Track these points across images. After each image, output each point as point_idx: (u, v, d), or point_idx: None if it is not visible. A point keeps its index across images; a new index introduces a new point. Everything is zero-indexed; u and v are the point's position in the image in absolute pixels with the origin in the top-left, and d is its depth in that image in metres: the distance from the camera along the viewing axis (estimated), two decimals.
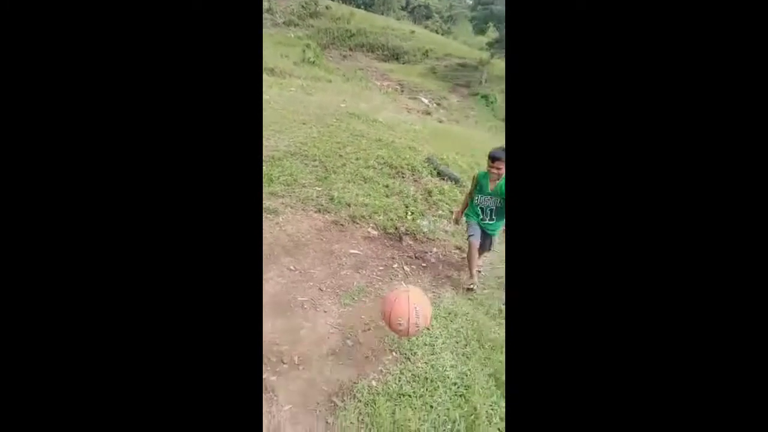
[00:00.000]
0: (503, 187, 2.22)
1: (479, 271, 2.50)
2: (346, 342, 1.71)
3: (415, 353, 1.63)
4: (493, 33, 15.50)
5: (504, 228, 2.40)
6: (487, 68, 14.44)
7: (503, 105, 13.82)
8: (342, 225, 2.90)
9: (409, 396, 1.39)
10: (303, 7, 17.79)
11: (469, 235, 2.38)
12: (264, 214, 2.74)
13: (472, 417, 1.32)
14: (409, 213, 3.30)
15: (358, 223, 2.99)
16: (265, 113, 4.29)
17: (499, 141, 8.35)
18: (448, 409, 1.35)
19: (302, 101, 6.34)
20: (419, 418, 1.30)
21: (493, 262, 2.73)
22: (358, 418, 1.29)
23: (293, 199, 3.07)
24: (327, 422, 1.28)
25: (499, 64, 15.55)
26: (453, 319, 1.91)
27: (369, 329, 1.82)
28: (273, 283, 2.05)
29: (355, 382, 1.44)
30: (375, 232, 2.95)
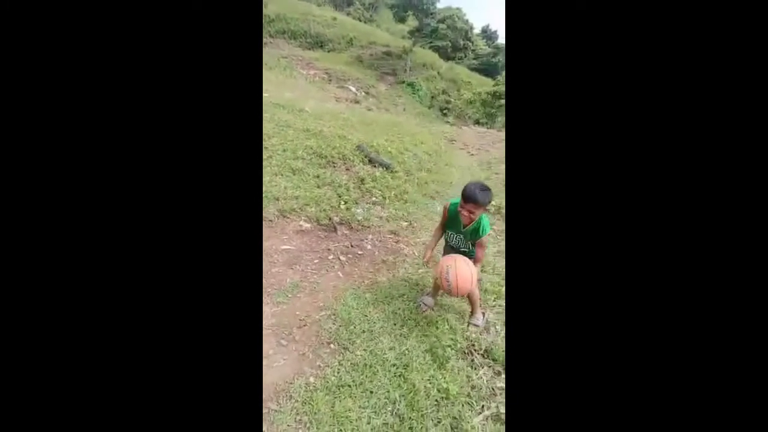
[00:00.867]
0: (477, 234, 1.68)
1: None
2: (280, 342, 1.61)
3: (353, 342, 1.61)
4: (413, 21, 15.83)
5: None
6: (410, 56, 14.77)
7: (429, 93, 14.33)
8: (270, 221, 2.72)
9: (349, 386, 1.36)
10: None
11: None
12: None
13: (411, 394, 1.34)
14: (343, 202, 3.24)
15: (288, 217, 2.84)
16: None
17: (426, 126, 8.57)
18: (388, 391, 1.35)
19: None
20: (359, 406, 1.28)
21: (425, 243, 2.81)
22: (295, 418, 1.23)
23: None
24: (263, 431, 1.19)
25: (421, 53, 15.99)
26: (390, 302, 1.92)
27: (305, 325, 1.74)
28: None
29: (290, 382, 1.36)
30: (308, 225, 2.84)
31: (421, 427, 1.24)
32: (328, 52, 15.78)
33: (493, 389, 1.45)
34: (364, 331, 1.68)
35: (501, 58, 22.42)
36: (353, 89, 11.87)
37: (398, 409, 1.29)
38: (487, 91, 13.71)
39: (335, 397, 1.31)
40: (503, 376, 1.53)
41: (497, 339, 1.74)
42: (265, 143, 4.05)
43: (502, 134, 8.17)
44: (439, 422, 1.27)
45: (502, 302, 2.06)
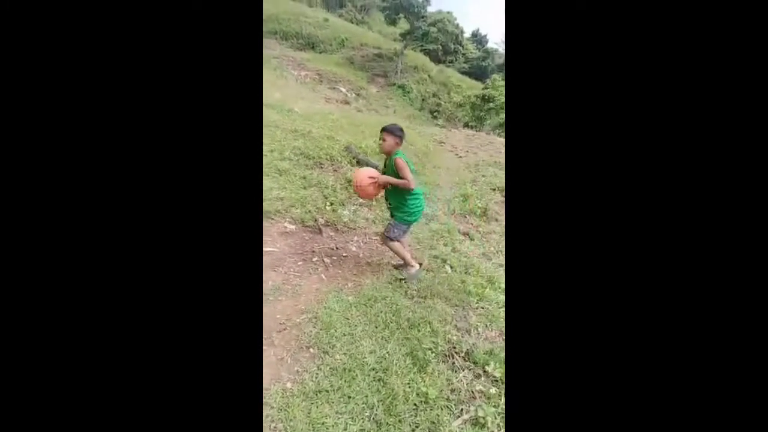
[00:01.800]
0: (391, 163, 2.08)
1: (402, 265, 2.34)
2: None
3: (333, 346, 1.58)
4: (405, 24, 15.92)
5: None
6: (401, 59, 14.83)
7: (419, 96, 14.40)
8: None
9: (327, 391, 1.34)
10: None
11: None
12: None
13: (390, 399, 1.32)
14: (329, 203, 3.21)
15: (273, 219, 2.80)
16: None
17: (416, 128, 8.63)
18: (366, 396, 1.33)
19: None
20: (336, 412, 1.26)
21: (411, 244, 2.81)
22: (270, 426, 1.20)
23: None
24: None
25: (412, 55, 16.07)
26: (372, 305, 1.90)
27: (285, 329, 1.71)
28: None
29: (267, 389, 1.33)
30: (292, 227, 2.80)
31: None
32: (320, 53, 15.74)
33: (472, 392, 1.45)
34: (344, 335, 1.66)
35: (491, 62, 22.67)
36: (344, 90, 11.85)
37: (376, 415, 1.27)
38: (477, 94, 13.84)
39: (312, 403, 1.29)
40: (483, 378, 1.53)
41: (479, 341, 1.74)
42: None
43: (491, 137, 8.25)
44: (416, 427, 1.26)
45: (485, 304, 2.07)
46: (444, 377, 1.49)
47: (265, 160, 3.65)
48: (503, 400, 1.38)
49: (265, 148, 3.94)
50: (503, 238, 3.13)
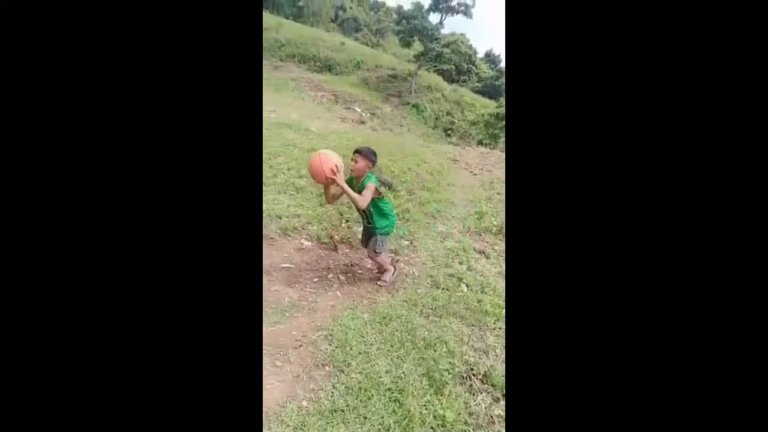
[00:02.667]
0: (362, 186, 2.14)
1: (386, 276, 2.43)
2: (275, 363, 1.58)
3: (349, 364, 1.57)
4: (419, 46, 16.37)
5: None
6: (415, 79, 15.16)
7: (433, 114, 14.61)
8: (272, 239, 2.74)
9: (342, 411, 1.33)
10: None
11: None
12: None
13: (406, 421, 1.30)
14: (344, 220, 3.25)
15: (290, 235, 2.86)
16: None
17: (430, 146, 8.70)
18: (382, 417, 1.31)
19: None
20: None
21: (426, 263, 2.80)
22: None
23: None
24: None
25: (426, 75, 16.42)
26: (388, 323, 1.89)
27: (301, 345, 1.71)
28: None
29: (283, 406, 1.33)
30: (308, 243, 2.85)
31: None
32: (336, 75, 16.28)
33: (491, 417, 1.40)
34: (360, 353, 1.65)
35: (504, 81, 22.90)
36: (359, 110, 12.15)
37: None
38: (490, 112, 13.93)
39: (328, 423, 1.27)
40: (502, 402, 1.48)
41: (497, 363, 1.70)
42: (270, 162, 4.12)
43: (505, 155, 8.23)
44: None
45: (503, 324, 2.02)
46: (461, 400, 1.46)
47: (282, 178, 3.75)
48: None
49: (282, 166, 4.06)
50: None
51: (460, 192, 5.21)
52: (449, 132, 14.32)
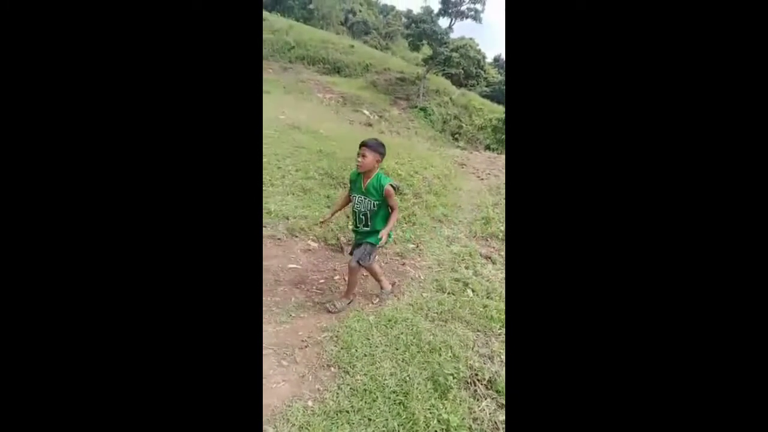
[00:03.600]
0: (377, 185, 1.85)
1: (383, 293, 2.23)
2: (281, 363, 1.60)
3: (354, 366, 1.59)
4: (428, 50, 16.41)
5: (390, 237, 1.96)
6: (424, 83, 15.19)
7: (441, 118, 14.60)
8: (279, 239, 2.77)
9: (347, 412, 1.34)
10: None
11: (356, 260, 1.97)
12: None
13: (410, 424, 1.30)
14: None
15: (297, 236, 2.88)
16: None
17: (437, 150, 8.68)
18: (386, 419, 1.32)
19: None
20: None
21: (432, 267, 2.80)
22: None
23: None
24: None
25: (434, 79, 16.44)
26: (393, 326, 1.90)
27: (307, 346, 1.73)
28: None
29: (288, 405, 1.35)
30: (315, 245, 2.87)
31: None
32: (345, 77, 16.38)
33: (495, 423, 1.40)
34: (365, 355, 1.66)
35: None
36: (367, 113, 12.20)
37: None
38: (498, 117, 13.89)
39: (333, 423, 1.29)
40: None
41: (501, 369, 1.70)
42: (279, 163, 4.17)
43: None
44: None
45: None
46: (466, 405, 1.46)
47: (290, 179, 3.79)
48: None
49: (290, 167, 4.10)
50: None
51: (467, 196, 5.20)
52: (457, 136, 14.30)
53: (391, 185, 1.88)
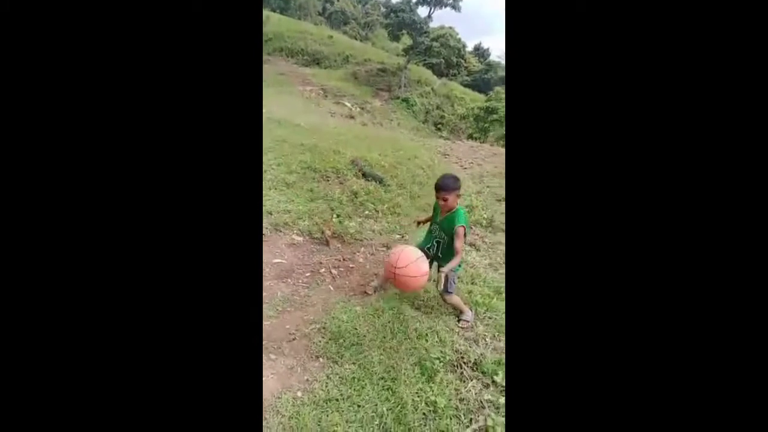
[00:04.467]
0: (452, 223, 1.83)
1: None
2: (269, 356, 1.60)
3: (342, 355, 1.60)
4: (407, 40, 16.30)
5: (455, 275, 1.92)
6: (405, 73, 15.12)
7: (423, 108, 14.61)
8: (263, 234, 2.74)
9: (337, 400, 1.36)
10: None
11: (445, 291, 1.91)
12: None
13: (399, 408, 1.34)
14: (336, 215, 3.26)
15: (281, 231, 2.86)
16: None
17: (420, 140, 8.68)
18: (375, 405, 1.35)
19: None
20: (346, 421, 1.28)
21: None
22: None
23: None
24: None
25: (416, 69, 16.38)
26: (380, 315, 1.92)
27: (294, 338, 1.73)
28: None
29: (278, 397, 1.36)
30: (300, 239, 2.85)
31: None
32: (325, 68, 16.11)
33: (481, 402, 1.45)
34: (353, 345, 1.68)
35: (493, 75, 23.02)
36: (348, 105, 12.07)
37: (385, 423, 1.28)
38: (480, 106, 14.00)
39: (322, 412, 1.30)
40: (492, 388, 1.53)
41: (486, 351, 1.75)
42: None
43: (495, 148, 8.32)
44: None
45: (492, 314, 2.08)
46: (452, 387, 1.50)
47: (272, 174, 3.73)
48: None
49: (272, 162, 4.04)
50: None
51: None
52: (439, 126, 14.36)
53: (464, 228, 1.81)
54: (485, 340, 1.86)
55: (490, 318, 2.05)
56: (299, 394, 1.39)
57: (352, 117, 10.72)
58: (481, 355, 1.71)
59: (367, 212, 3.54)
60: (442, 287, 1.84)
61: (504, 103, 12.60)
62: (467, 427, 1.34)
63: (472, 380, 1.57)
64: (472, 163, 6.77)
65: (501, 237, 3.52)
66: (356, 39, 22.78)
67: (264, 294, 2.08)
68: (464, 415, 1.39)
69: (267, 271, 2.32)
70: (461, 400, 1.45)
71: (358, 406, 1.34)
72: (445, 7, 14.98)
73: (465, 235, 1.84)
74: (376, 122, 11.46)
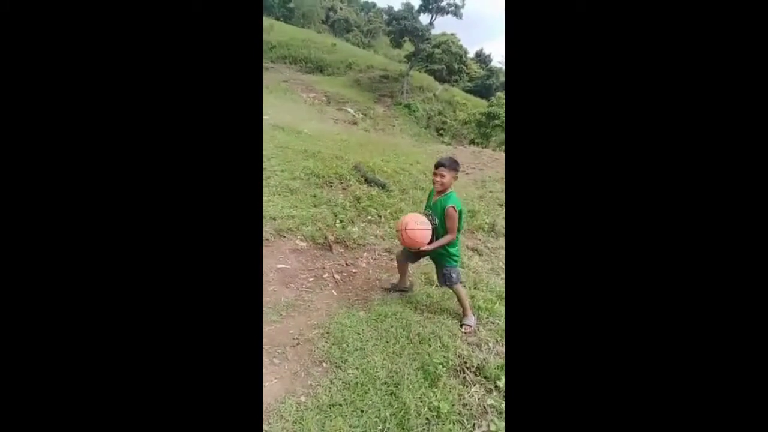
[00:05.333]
0: (444, 204, 1.84)
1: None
2: (273, 361, 1.61)
3: (345, 360, 1.61)
4: (409, 47, 16.46)
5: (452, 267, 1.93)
6: (407, 79, 15.24)
7: (425, 114, 14.69)
8: (267, 240, 2.76)
9: (340, 405, 1.36)
10: None
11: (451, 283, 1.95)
12: None
13: (402, 413, 1.34)
14: (339, 221, 3.28)
15: (285, 237, 2.88)
16: None
17: (422, 146, 8.73)
18: (378, 410, 1.35)
19: None
20: (350, 426, 1.28)
21: (420, 260, 2.84)
22: None
23: None
24: None
25: (418, 76, 16.51)
26: (383, 320, 1.93)
27: (298, 343, 1.74)
28: None
29: (281, 402, 1.36)
30: (303, 244, 2.87)
31: None
32: (328, 76, 16.27)
33: (484, 407, 1.45)
34: (356, 350, 1.69)
35: (495, 81, 23.12)
36: (351, 111, 12.17)
37: (388, 429, 1.29)
38: (482, 112, 14.05)
39: (326, 417, 1.31)
40: (495, 393, 1.53)
41: (489, 356, 1.75)
42: (264, 164, 4.14)
43: (497, 154, 8.34)
44: None
45: (495, 319, 2.08)
46: (456, 392, 1.50)
47: (276, 180, 3.77)
48: None
49: (276, 168, 4.08)
50: None
51: (453, 190, 5.26)
52: (441, 132, 14.42)
53: (455, 208, 1.82)
54: (488, 345, 1.86)
55: (492, 323, 2.05)
56: (303, 398, 1.40)
57: (354, 123, 10.80)
58: (484, 360, 1.71)
59: (369, 217, 3.56)
60: (444, 283, 1.95)
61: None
62: (470, 431, 1.34)
63: (475, 385, 1.57)
64: (474, 168, 6.78)
65: (503, 242, 3.52)
66: (359, 46, 23.03)
67: (268, 299, 2.09)
68: (467, 420, 1.38)
69: (271, 276, 2.34)
70: (464, 405, 1.45)
71: (362, 411, 1.34)
72: (447, 14, 15.14)
73: (460, 219, 1.84)
74: (379, 128, 11.53)
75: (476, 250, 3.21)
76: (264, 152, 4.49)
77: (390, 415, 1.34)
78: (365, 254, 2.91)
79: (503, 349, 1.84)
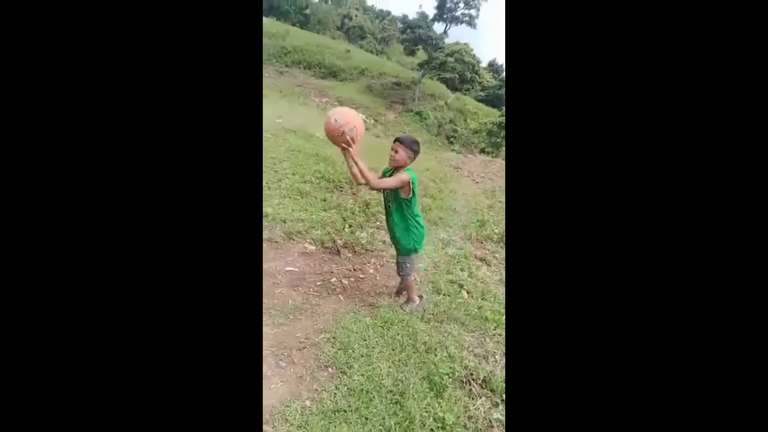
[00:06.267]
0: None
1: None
2: (279, 364, 1.62)
3: (351, 366, 1.61)
4: (423, 55, 16.58)
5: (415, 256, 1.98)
6: (419, 87, 15.33)
7: (436, 122, 14.73)
8: (276, 242, 2.79)
9: (345, 411, 1.36)
10: None
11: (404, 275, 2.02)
12: None
13: (407, 422, 1.33)
14: (347, 225, 3.30)
15: (294, 239, 2.90)
16: None
17: (432, 153, 8.74)
18: (383, 418, 1.34)
19: None
20: None
21: (427, 269, 2.83)
22: None
23: None
24: None
25: (430, 84, 16.60)
26: (389, 327, 1.92)
27: (304, 347, 1.75)
28: None
29: (287, 405, 1.37)
30: (312, 247, 2.89)
31: None
32: (341, 81, 16.46)
33: (490, 421, 1.43)
34: (362, 356, 1.68)
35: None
36: (363, 117, 12.27)
37: None
38: (493, 121, 14.04)
39: (330, 422, 1.31)
40: (501, 407, 1.51)
41: (496, 369, 1.73)
42: (275, 167, 4.19)
43: None
44: None
45: (502, 331, 2.05)
46: (461, 404, 1.49)
47: (287, 183, 3.81)
48: None
49: (287, 171, 4.13)
50: None
51: (462, 200, 5.25)
52: (452, 140, 14.43)
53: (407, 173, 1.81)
54: (495, 358, 1.83)
55: (500, 335, 2.02)
56: (308, 403, 1.40)
57: (366, 129, 10.88)
58: (491, 372, 1.69)
59: (378, 223, 3.56)
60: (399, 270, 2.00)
61: None
62: None
63: (480, 398, 1.55)
64: (483, 177, 6.76)
65: None
66: (373, 53, 23.28)
67: (276, 301, 2.10)
68: None
69: (279, 278, 2.35)
70: (470, 417, 1.44)
71: (366, 418, 1.34)
72: (461, 23, 15.23)
73: (412, 188, 1.82)
74: (390, 134, 11.59)
75: (484, 260, 3.19)
76: (276, 155, 4.54)
77: (395, 423, 1.33)
78: (373, 260, 2.92)
79: None
